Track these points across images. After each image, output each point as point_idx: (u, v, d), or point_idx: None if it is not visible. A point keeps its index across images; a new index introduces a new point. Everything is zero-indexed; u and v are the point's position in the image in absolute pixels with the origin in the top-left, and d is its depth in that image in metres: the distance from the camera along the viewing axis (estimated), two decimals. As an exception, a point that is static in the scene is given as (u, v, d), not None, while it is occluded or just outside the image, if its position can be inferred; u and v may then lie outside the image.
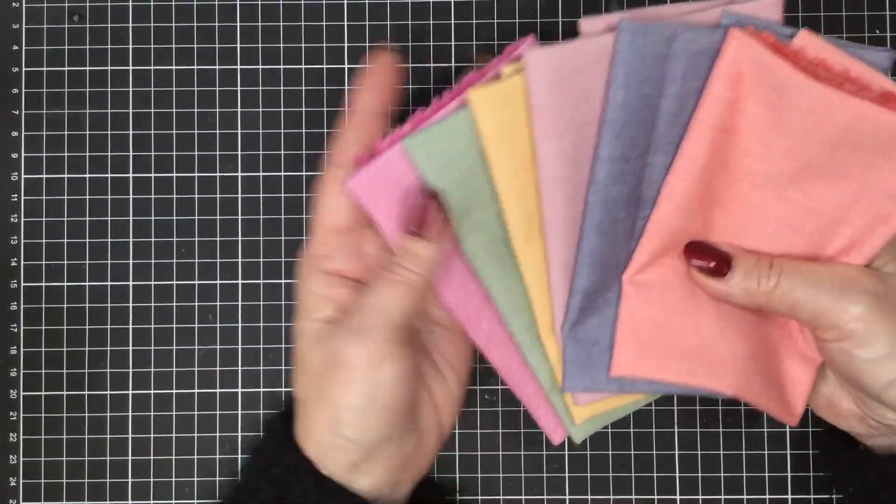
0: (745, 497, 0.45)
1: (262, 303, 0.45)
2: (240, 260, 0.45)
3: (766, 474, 0.45)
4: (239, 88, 0.46)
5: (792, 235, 0.37)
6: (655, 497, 0.45)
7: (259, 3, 0.46)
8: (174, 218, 0.45)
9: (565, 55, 0.35)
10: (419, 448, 0.39)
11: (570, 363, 0.37)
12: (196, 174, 0.46)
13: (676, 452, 0.45)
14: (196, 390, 0.45)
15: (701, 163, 0.36)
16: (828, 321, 0.35)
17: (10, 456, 0.45)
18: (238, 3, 0.46)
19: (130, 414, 0.45)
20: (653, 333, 0.37)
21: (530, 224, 0.37)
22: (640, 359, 0.37)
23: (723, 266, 0.36)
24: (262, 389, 0.45)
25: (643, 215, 0.37)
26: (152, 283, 0.45)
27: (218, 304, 0.45)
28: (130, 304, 0.45)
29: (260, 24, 0.46)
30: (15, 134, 0.46)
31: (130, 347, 0.45)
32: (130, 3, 0.46)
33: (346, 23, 0.46)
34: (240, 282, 0.45)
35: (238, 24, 0.46)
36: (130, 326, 0.45)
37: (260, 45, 0.46)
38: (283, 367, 0.45)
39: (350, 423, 0.36)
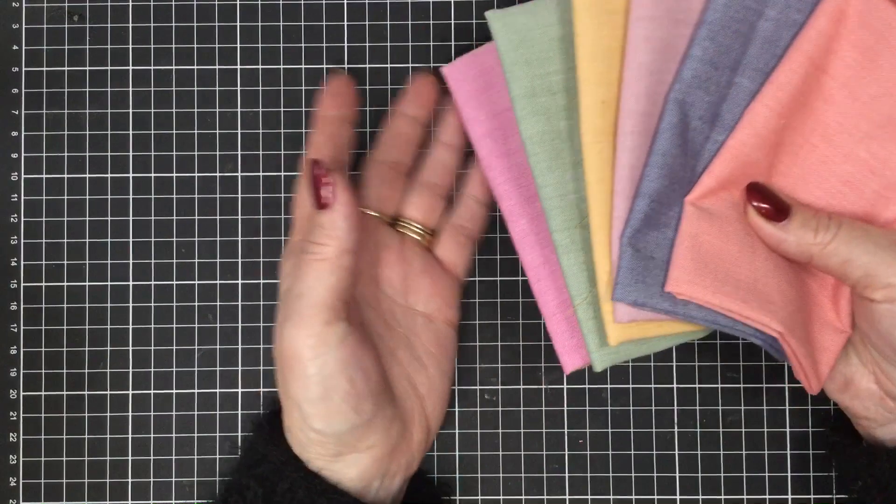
0: (745, 497, 0.45)
1: (262, 303, 0.45)
2: (240, 260, 0.45)
3: (766, 474, 0.45)
4: (239, 88, 0.46)
5: (850, 195, 0.37)
6: (655, 497, 0.45)
7: (259, 3, 0.46)
8: (174, 218, 0.45)
9: None
10: (405, 436, 0.39)
11: (625, 271, 0.35)
12: (196, 174, 0.46)
13: (676, 452, 0.45)
14: (196, 390, 0.45)
15: (789, 95, 0.35)
16: (881, 279, 0.35)
17: (10, 456, 0.45)
18: (238, 3, 0.46)
19: (130, 414, 0.45)
20: (711, 257, 0.35)
21: (604, 114, 0.36)
22: (697, 277, 0.35)
23: (780, 214, 0.36)
24: (262, 389, 0.45)
25: (717, 138, 0.36)
26: (152, 283, 0.45)
27: (218, 304, 0.45)
28: (130, 304, 0.45)
29: (260, 24, 0.46)
30: (15, 134, 0.46)
31: (130, 347, 0.45)
32: (130, 3, 0.46)
33: (345, 23, 0.46)
34: (240, 282, 0.45)
35: (238, 24, 0.46)
36: (130, 326, 0.45)
37: (260, 45, 0.46)
38: (283, 367, 0.45)
39: (315, 417, 0.36)
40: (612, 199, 0.36)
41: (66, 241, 0.45)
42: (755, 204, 0.36)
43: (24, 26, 0.46)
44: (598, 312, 0.37)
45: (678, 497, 0.45)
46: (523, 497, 0.45)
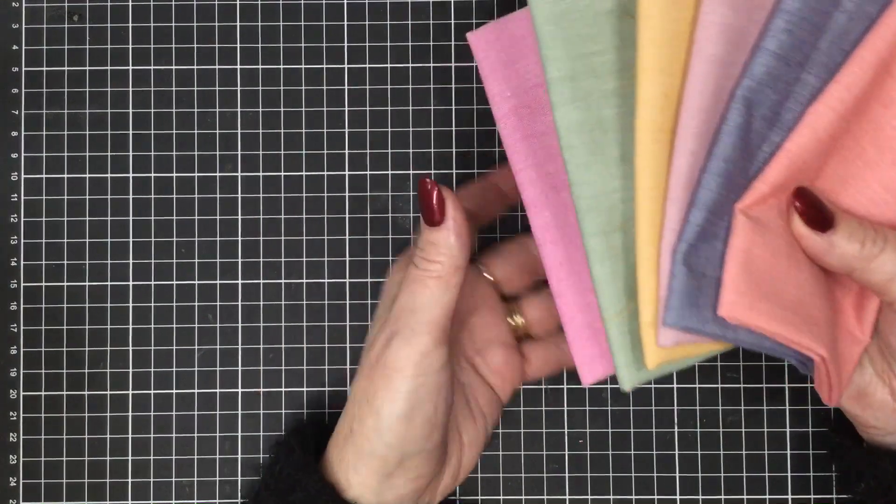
0: (745, 497, 0.45)
1: (261, 303, 0.45)
2: (240, 260, 0.45)
3: (766, 474, 0.45)
4: (239, 88, 0.46)
5: (893, 203, 0.34)
6: (655, 497, 0.45)
7: (259, 3, 0.46)
8: (174, 218, 0.45)
9: None
10: (439, 476, 0.39)
11: (679, 295, 0.31)
12: (196, 174, 0.46)
13: (676, 452, 0.45)
14: (196, 390, 0.45)
15: (855, 97, 0.32)
16: None
17: (10, 456, 0.45)
18: (238, 3, 0.46)
19: (130, 414, 0.45)
20: (763, 275, 0.32)
21: (664, 109, 0.31)
22: (752, 300, 0.31)
23: (824, 223, 0.33)
24: (261, 389, 0.45)
25: (773, 139, 0.32)
26: (152, 283, 0.45)
27: (218, 304, 0.45)
28: (130, 304, 0.45)
29: (260, 24, 0.46)
30: (15, 134, 0.46)
31: (130, 347, 0.45)
32: (130, 3, 0.46)
33: (345, 23, 0.46)
34: (240, 282, 0.45)
35: (238, 24, 0.46)
36: (130, 326, 0.45)
37: (260, 45, 0.46)
38: (282, 367, 0.45)
39: (391, 432, 0.36)
40: (665, 209, 0.32)
41: (66, 241, 0.45)
42: (800, 208, 0.33)
43: (24, 26, 0.46)
44: (633, 327, 0.34)
45: (678, 497, 0.45)
46: (523, 497, 0.45)
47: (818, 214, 0.33)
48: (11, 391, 0.45)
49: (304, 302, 0.45)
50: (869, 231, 0.33)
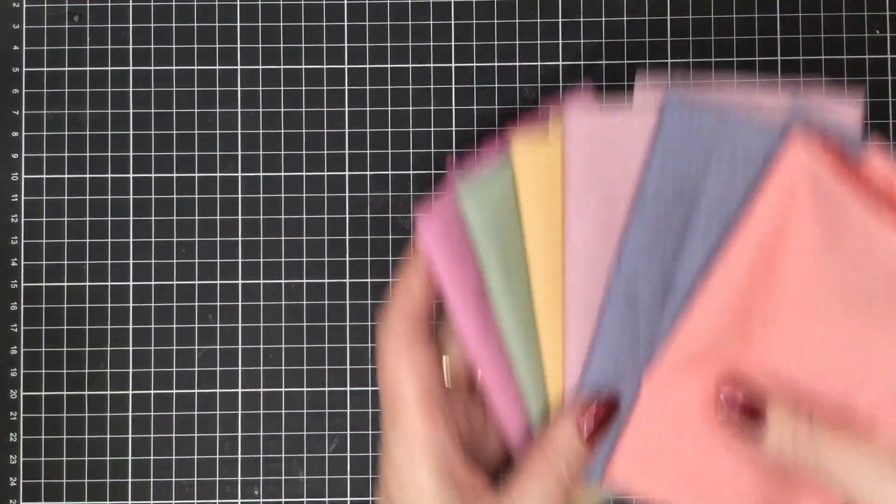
0: (745, 497, 0.44)
1: (262, 303, 0.45)
2: (240, 260, 0.45)
3: (767, 474, 0.45)
4: (239, 88, 0.46)
5: (834, 366, 0.34)
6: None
7: (259, 3, 0.46)
8: (174, 218, 0.45)
9: (608, 126, 0.34)
10: None
11: None
12: (196, 174, 0.46)
13: (676, 452, 0.45)
14: (196, 390, 0.45)
15: (742, 277, 0.34)
16: None
17: (10, 456, 0.45)
18: (238, 3, 0.46)
19: (130, 414, 0.45)
20: (657, 451, 0.35)
21: (556, 292, 0.36)
22: (634, 472, 0.35)
23: (753, 414, 0.34)
24: (262, 389, 0.45)
25: (674, 305, 0.35)
26: (152, 283, 0.45)
27: (218, 304, 0.45)
28: (130, 304, 0.45)
29: (260, 24, 0.46)
30: (15, 134, 0.46)
31: (130, 347, 0.45)
32: (130, 3, 0.46)
33: (346, 23, 0.46)
34: (240, 282, 0.45)
35: (238, 25, 0.46)
36: (130, 326, 0.45)
37: (260, 45, 0.46)
38: (282, 367, 0.45)
39: None
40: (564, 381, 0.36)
41: (66, 241, 0.45)
42: (727, 413, 0.34)
43: (24, 27, 0.46)
44: None
45: (678, 497, 0.45)
46: (523, 497, 0.45)
47: (746, 402, 0.34)
48: (11, 391, 0.45)
49: (304, 302, 0.45)
50: (801, 432, 0.33)
